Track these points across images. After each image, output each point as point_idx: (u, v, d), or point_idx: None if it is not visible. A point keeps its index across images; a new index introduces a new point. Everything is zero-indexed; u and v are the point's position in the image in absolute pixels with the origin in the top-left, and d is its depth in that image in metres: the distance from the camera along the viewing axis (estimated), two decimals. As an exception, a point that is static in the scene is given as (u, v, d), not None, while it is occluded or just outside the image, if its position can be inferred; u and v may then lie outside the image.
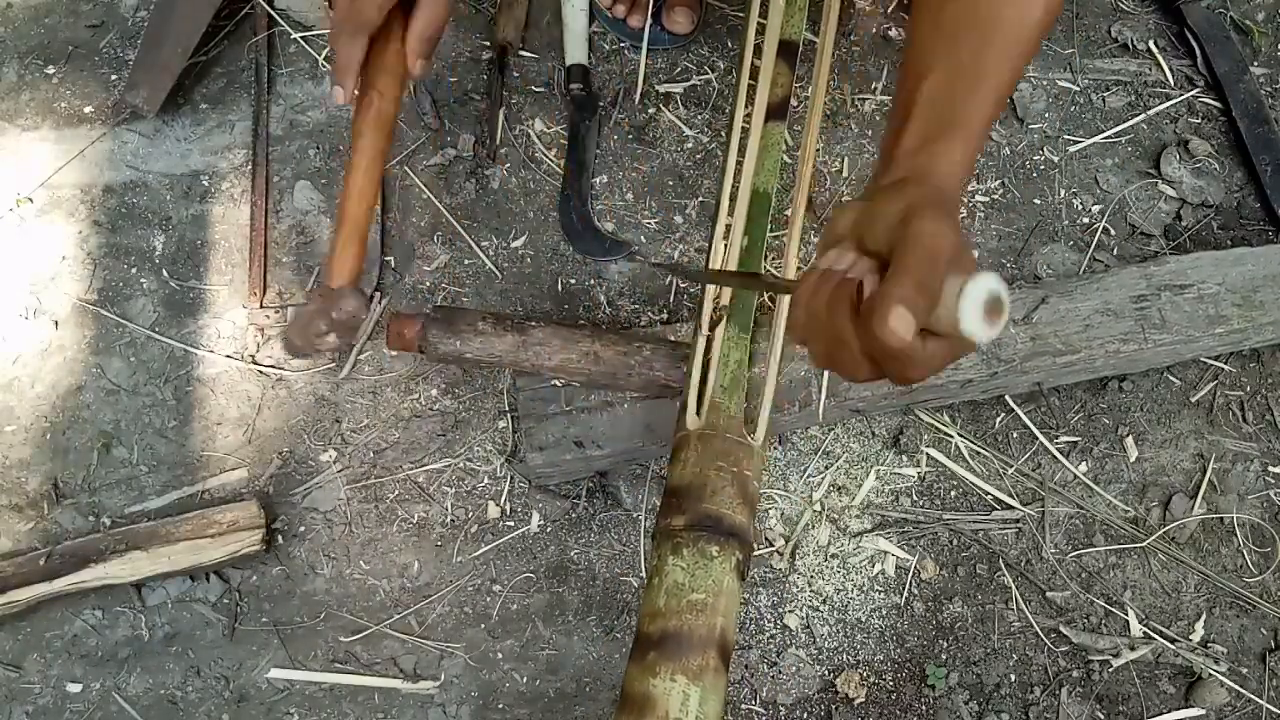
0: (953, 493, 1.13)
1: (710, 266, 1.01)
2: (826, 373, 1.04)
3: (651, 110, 1.30)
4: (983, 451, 1.14)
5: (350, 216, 0.90)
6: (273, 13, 1.34)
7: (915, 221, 0.55)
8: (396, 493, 1.12)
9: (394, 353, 1.16)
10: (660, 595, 0.79)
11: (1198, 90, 1.33)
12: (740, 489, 0.84)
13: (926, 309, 0.53)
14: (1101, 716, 1.04)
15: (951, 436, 1.14)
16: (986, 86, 0.68)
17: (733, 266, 0.98)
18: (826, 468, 1.13)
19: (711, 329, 0.95)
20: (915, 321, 0.52)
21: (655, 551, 0.83)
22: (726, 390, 0.91)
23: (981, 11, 0.69)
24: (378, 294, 1.21)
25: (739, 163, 1.02)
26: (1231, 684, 1.05)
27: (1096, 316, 1.09)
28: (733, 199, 1.00)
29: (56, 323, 1.21)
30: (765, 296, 1.04)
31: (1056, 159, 1.28)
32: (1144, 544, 1.10)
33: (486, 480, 1.13)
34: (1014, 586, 1.09)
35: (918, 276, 0.53)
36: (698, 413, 0.90)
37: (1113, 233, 1.24)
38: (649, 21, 1.29)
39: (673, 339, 1.04)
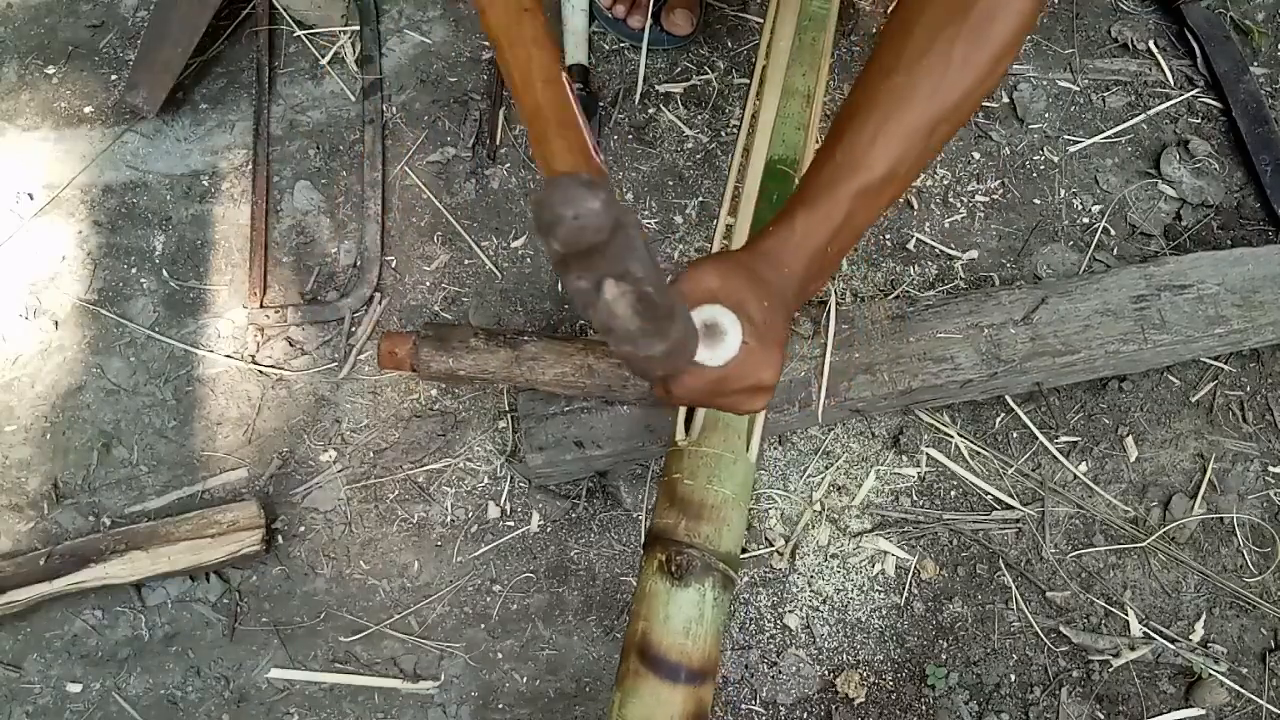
0: (953, 493, 1.13)
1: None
2: (826, 374, 1.04)
3: (651, 110, 1.30)
4: (983, 451, 1.14)
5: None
6: (276, 9, 1.34)
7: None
8: (396, 493, 1.12)
9: (388, 372, 1.16)
10: None
11: (1198, 90, 1.33)
12: (668, 493, 0.87)
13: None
14: (1101, 716, 1.04)
15: (951, 436, 1.14)
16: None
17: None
18: (826, 468, 1.13)
19: None
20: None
21: None
22: (672, 415, 0.93)
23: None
24: (377, 294, 1.21)
25: (748, 145, 1.02)
26: (1231, 684, 1.05)
27: (1096, 317, 1.09)
28: (740, 179, 1.00)
29: (56, 323, 1.21)
30: None
31: (1056, 159, 1.28)
32: (1144, 544, 1.10)
33: (486, 480, 1.13)
34: (1014, 586, 1.09)
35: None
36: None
37: (1113, 233, 1.24)
38: (649, 22, 1.29)
39: None
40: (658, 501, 0.88)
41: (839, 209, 0.70)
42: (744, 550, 1.09)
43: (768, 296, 0.68)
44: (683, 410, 0.90)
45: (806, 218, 0.70)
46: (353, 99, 1.31)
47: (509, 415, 1.14)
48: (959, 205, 1.25)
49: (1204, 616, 1.08)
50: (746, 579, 1.08)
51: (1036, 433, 1.14)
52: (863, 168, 0.70)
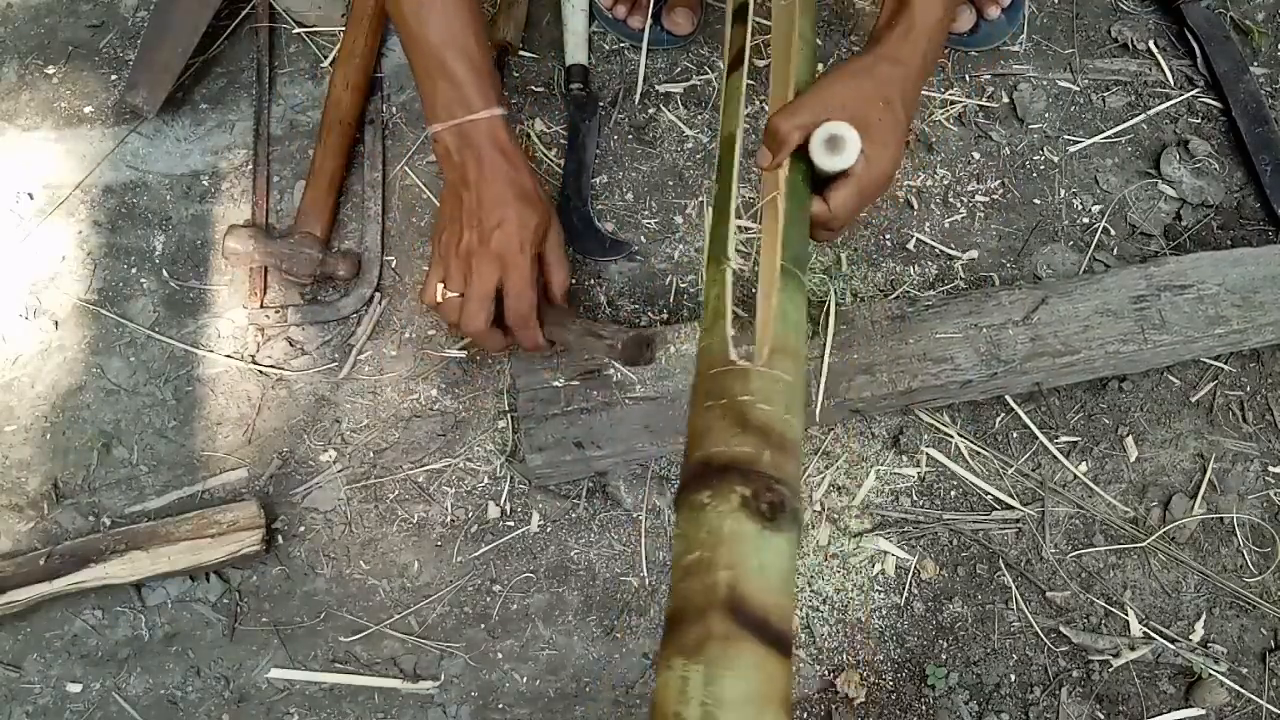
0: (953, 493, 1.13)
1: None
2: (825, 374, 1.04)
3: (651, 110, 1.30)
4: (983, 451, 1.14)
5: None
6: (276, 9, 1.34)
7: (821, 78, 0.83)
8: (396, 493, 1.12)
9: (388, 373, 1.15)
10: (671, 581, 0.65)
11: (1198, 90, 1.33)
12: (735, 417, 0.70)
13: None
14: (1101, 716, 1.05)
15: (951, 436, 1.14)
16: None
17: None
18: (826, 468, 1.13)
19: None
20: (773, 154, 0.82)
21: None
22: (709, 330, 0.79)
23: None
24: (377, 294, 1.21)
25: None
26: (1231, 684, 1.05)
27: (1096, 317, 1.09)
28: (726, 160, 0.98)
29: (56, 323, 1.21)
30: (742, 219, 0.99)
31: (1056, 159, 1.28)
32: (1144, 544, 1.10)
33: (486, 480, 1.13)
34: (1014, 586, 1.09)
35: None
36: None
37: (1113, 233, 1.25)
38: (649, 22, 1.29)
39: None
40: (709, 426, 0.70)
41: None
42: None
43: (888, 96, 0.80)
44: (729, 326, 0.77)
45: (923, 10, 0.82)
46: (353, 99, 1.31)
47: (509, 415, 1.14)
48: (959, 205, 1.25)
49: (1204, 616, 1.08)
50: (746, 579, 1.08)
51: (1036, 433, 1.14)
52: None
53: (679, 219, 1.25)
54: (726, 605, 0.59)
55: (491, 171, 0.94)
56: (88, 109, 1.32)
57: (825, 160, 0.79)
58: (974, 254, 1.23)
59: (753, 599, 0.59)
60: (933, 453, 1.13)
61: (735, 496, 0.63)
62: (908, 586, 1.09)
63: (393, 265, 1.23)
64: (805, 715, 1.04)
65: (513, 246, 0.94)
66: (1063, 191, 1.27)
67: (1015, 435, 1.15)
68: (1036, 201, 1.26)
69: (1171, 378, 1.18)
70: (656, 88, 1.31)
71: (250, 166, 1.28)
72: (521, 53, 1.34)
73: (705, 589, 0.59)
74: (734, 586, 0.59)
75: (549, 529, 1.11)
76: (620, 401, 1.05)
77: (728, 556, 0.61)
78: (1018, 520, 1.11)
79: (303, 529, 1.11)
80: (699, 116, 1.30)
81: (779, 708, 0.56)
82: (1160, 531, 1.11)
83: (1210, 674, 1.05)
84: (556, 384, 1.05)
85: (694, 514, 0.64)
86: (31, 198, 1.27)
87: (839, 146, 0.78)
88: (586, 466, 1.08)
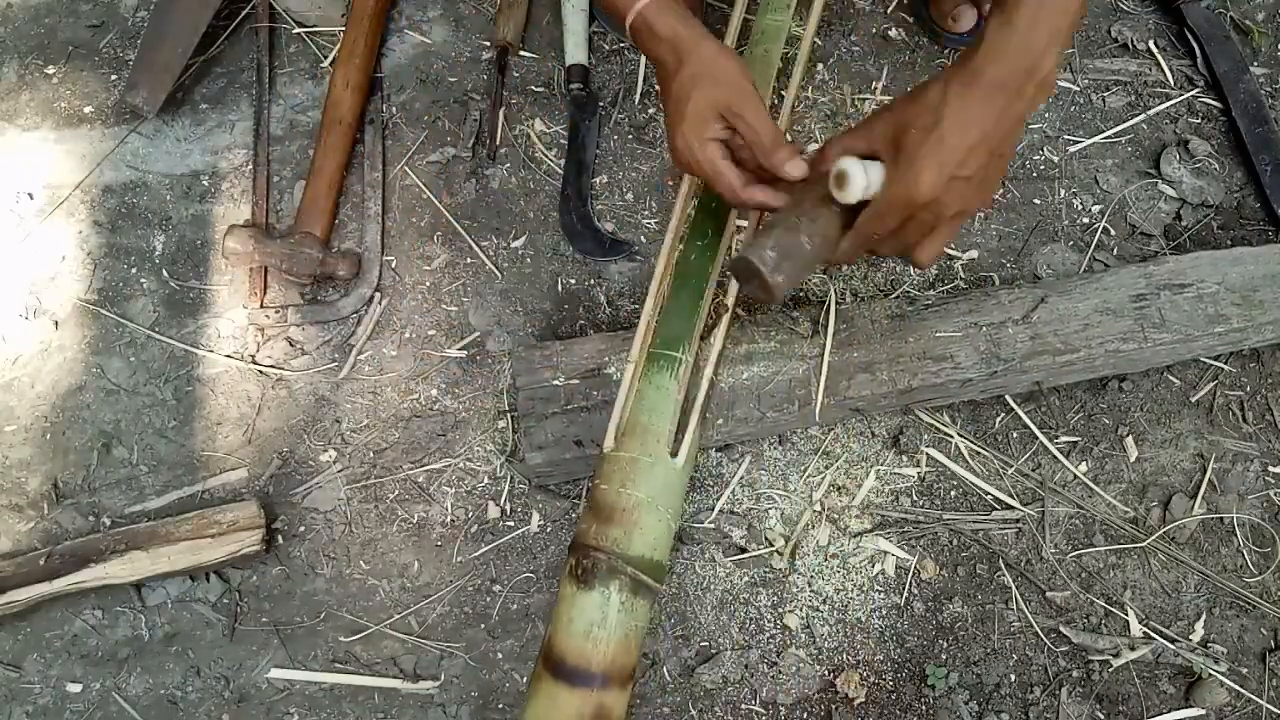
0: (953, 493, 1.13)
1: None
2: (825, 373, 1.04)
3: (651, 110, 1.30)
4: (983, 451, 1.14)
5: None
6: (275, 9, 1.34)
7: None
8: (396, 493, 1.12)
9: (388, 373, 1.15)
10: None
11: (1198, 90, 1.33)
12: (588, 501, 0.91)
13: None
14: (1101, 716, 1.04)
15: (951, 436, 1.14)
16: None
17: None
18: (826, 468, 1.13)
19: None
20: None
21: None
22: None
23: None
24: (377, 294, 1.21)
25: None
26: (1231, 684, 1.05)
27: (1096, 316, 1.09)
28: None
29: (56, 323, 1.21)
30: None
31: (1056, 159, 1.28)
32: (1144, 544, 1.10)
33: (486, 480, 1.13)
34: (1014, 586, 1.09)
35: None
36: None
37: (1113, 233, 1.24)
38: (649, 21, 1.29)
39: None
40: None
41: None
42: (742, 550, 1.09)
43: (925, 122, 0.76)
44: (613, 419, 0.95)
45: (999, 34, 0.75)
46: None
47: (509, 415, 1.14)
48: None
49: (1204, 616, 1.08)
50: (746, 579, 1.08)
51: (1036, 433, 1.14)
52: None
53: (679, 219, 1.25)
54: (544, 652, 0.87)
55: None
56: (88, 109, 1.32)
57: (837, 193, 0.82)
58: (974, 254, 1.23)
59: (558, 647, 0.85)
60: (933, 453, 1.13)
61: (568, 567, 0.88)
62: (908, 586, 1.09)
63: (393, 265, 1.23)
64: (805, 715, 1.04)
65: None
66: (1063, 191, 1.27)
67: (1015, 435, 1.15)
68: (1036, 201, 1.26)
69: (1171, 378, 1.18)
70: (656, 88, 1.31)
71: (250, 166, 1.28)
72: (521, 53, 1.34)
73: (543, 639, 0.89)
74: (550, 638, 0.87)
75: (549, 529, 1.11)
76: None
77: (555, 614, 0.87)
78: (1018, 520, 1.11)
79: (303, 529, 1.11)
80: (699, 116, 1.29)
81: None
82: (1160, 531, 1.11)
83: (1210, 674, 1.05)
84: (556, 382, 1.05)
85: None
86: (31, 198, 1.27)
87: (843, 182, 0.81)
88: (586, 465, 1.07)
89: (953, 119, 0.75)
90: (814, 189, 0.86)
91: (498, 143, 1.28)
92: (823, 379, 1.04)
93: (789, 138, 1.13)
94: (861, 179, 0.80)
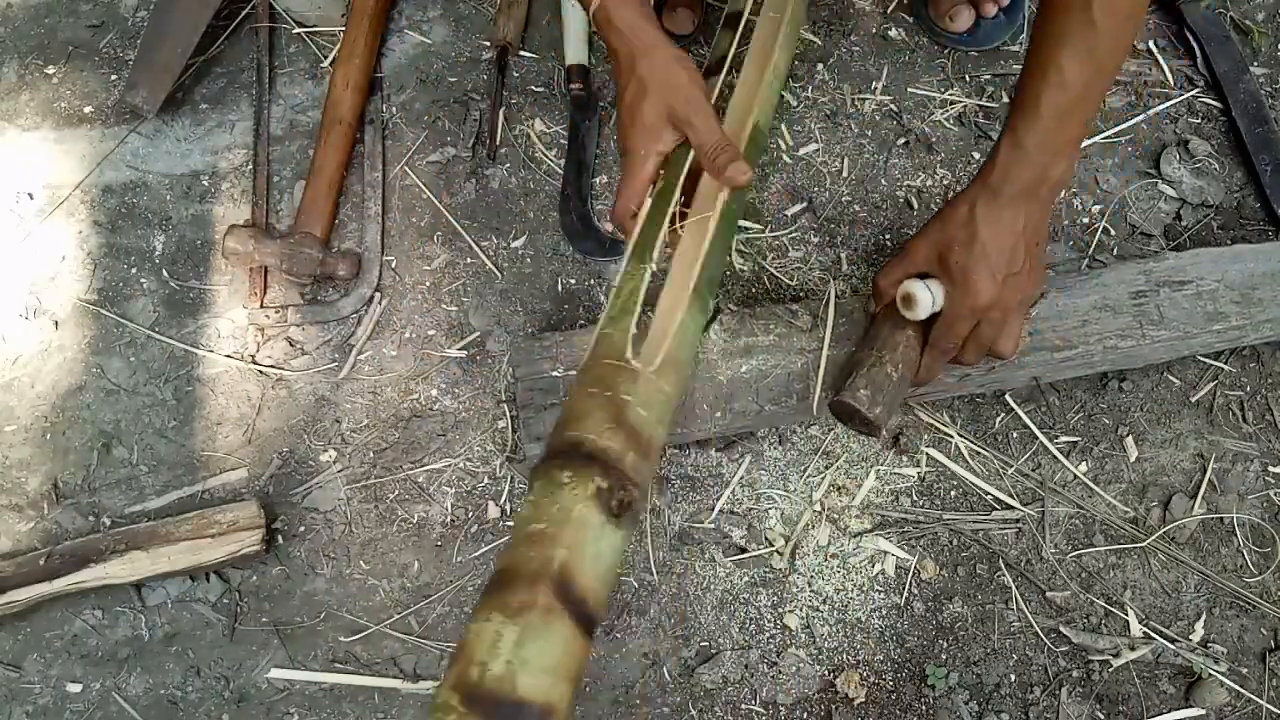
0: (953, 493, 1.13)
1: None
2: (823, 368, 1.04)
3: (651, 110, 1.30)
4: (982, 451, 1.14)
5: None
6: (275, 9, 1.34)
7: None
8: (396, 493, 1.12)
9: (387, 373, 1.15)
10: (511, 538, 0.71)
11: (1198, 90, 1.33)
12: (613, 413, 0.74)
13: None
14: (1101, 716, 1.04)
15: (951, 436, 1.14)
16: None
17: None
18: (826, 468, 1.13)
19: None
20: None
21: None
22: (614, 319, 0.84)
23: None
24: (377, 294, 1.21)
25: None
26: (1231, 684, 1.05)
27: (1094, 312, 1.09)
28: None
29: (56, 323, 1.21)
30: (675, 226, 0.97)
31: (1056, 159, 1.28)
32: (1144, 544, 1.10)
33: (486, 480, 1.13)
34: (1014, 586, 1.09)
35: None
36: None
37: (1113, 233, 1.25)
38: (649, 21, 1.29)
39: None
40: (587, 412, 0.74)
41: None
42: (742, 550, 1.09)
43: (961, 239, 0.87)
44: (634, 325, 0.83)
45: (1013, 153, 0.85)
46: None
47: (509, 415, 1.14)
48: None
49: (1204, 616, 1.08)
50: (746, 579, 1.08)
51: (1036, 432, 1.14)
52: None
53: (679, 219, 1.25)
54: (554, 581, 0.65)
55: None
56: (88, 109, 1.32)
57: (907, 313, 0.92)
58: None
59: (579, 580, 0.66)
60: (933, 452, 1.13)
61: (592, 486, 0.70)
62: (908, 586, 1.09)
63: (393, 265, 1.23)
64: (805, 715, 1.04)
65: None
66: (1063, 191, 1.27)
67: (1015, 435, 1.15)
68: (1036, 201, 1.26)
69: (1171, 377, 1.18)
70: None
71: (250, 166, 1.28)
72: (521, 53, 1.34)
73: (541, 560, 0.65)
74: (567, 565, 0.65)
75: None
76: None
77: (570, 538, 0.67)
78: (1018, 520, 1.11)
79: (303, 529, 1.11)
80: (699, 116, 1.29)
81: (570, 684, 0.63)
82: (1160, 531, 1.11)
83: (1210, 674, 1.05)
84: (555, 374, 1.05)
85: (550, 488, 0.70)
86: (31, 198, 1.27)
87: (910, 303, 0.91)
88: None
89: (987, 229, 0.86)
90: (883, 324, 0.96)
91: (498, 143, 1.28)
92: (821, 373, 1.04)
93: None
94: (926, 295, 0.90)
